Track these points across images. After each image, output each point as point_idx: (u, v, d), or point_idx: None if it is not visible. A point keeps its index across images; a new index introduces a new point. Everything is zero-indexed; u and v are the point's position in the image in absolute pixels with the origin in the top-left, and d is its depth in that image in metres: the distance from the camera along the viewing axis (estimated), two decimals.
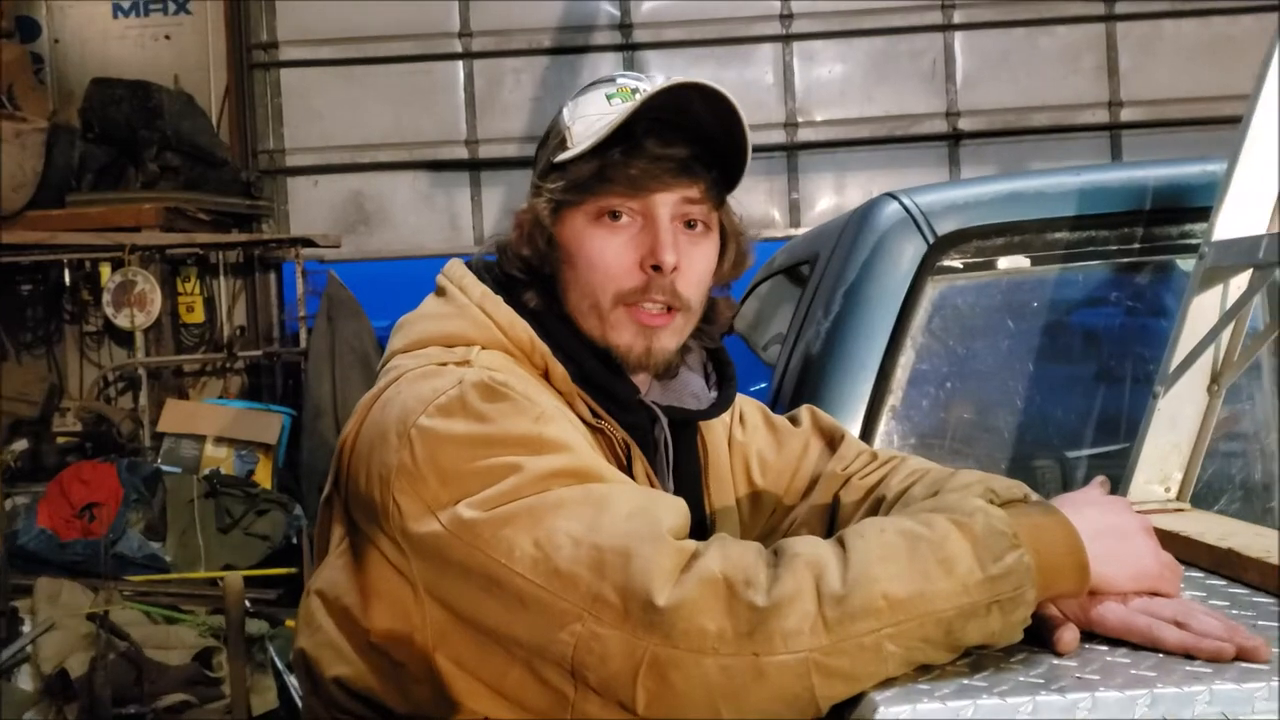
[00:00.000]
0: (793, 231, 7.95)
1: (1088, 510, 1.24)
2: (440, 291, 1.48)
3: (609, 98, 1.43)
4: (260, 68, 8.38)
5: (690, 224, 1.43)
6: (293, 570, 6.26)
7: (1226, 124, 7.20)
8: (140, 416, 7.30)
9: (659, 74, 1.45)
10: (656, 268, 1.39)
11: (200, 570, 6.19)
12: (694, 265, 1.43)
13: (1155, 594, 1.23)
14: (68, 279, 7.32)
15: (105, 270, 7.25)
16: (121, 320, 7.22)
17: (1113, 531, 1.23)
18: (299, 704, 4.73)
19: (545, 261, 1.45)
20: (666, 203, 1.40)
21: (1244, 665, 1.12)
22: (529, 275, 1.46)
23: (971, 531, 1.15)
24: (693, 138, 1.39)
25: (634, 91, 1.41)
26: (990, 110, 8.37)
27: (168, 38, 8.27)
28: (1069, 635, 1.19)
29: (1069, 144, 8.29)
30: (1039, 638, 1.19)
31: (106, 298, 7.20)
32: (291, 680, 5.11)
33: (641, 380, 1.48)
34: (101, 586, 5.66)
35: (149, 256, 7.31)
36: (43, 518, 6.15)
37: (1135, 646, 1.18)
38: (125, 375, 7.60)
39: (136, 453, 7.04)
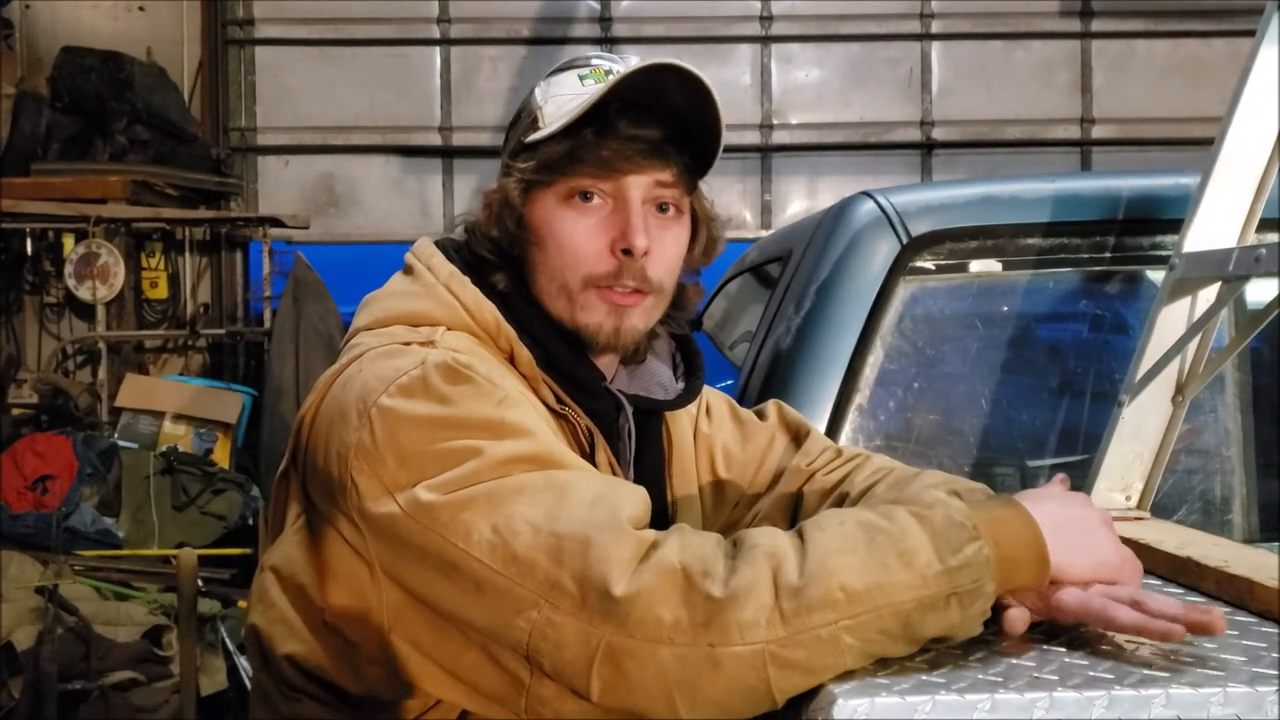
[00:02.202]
0: (763, 233, 7.96)
1: (1048, 504, 1.24)
2: (408, 270, 1.47)
3: (582, 78, 1.41)
4: (235, 44, 8.31)
5: (662, 207, 1.41)
6: (247, 551, 6.20)
7: (1196, 144, 7.28)
8: (98, 390, 7.22)
9: (634, 55, 1.44)
10: (627, 251, 1.37)
11: (153, 548, 6.12)
12: (665, 249, 1.41)
13: (1116, 585, 1.22)
14: (30, 249, 7.22)
15: (68, 241, 7.16)
16: (83, 293, 7.14)
17: (1073, 524, 1.23)
18: (249, 686, 4.69)
19: (514, 242, 1.43)
20: (638, 185, 1.38)
21: (1200, 670, 1.12)
22: (498, 257, 1.44)
23: (931, 524, 1.14)
24: (666, 120, 1.38)
25: (607, 73, 1.40)
26: (964, 121, 8.42)
27: (142, 9, 8.18)
28: (1017, 614, 1.19)
29: (1040, 158, 8.35)
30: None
31: (68, 269, 7.11)
32: (242, 661, 5.08)
33: (608, 366, 1.47)
34: (52, 560, 5.59)
35: (114, 229, 7.23)
36: None
37: (1094, 649, 1.18)
38: (85, 348, 7.51)
39: (93, 427, 6.95)
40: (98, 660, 5.16)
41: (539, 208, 1.41)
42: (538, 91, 1.44)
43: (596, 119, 1.36)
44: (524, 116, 1.45)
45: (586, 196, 1.39)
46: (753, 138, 8.34)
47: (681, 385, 1.54)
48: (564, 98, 1.40)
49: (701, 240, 1.49)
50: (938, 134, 8.42)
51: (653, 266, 1.40)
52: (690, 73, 1.34)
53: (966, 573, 1.13)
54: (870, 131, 8.43)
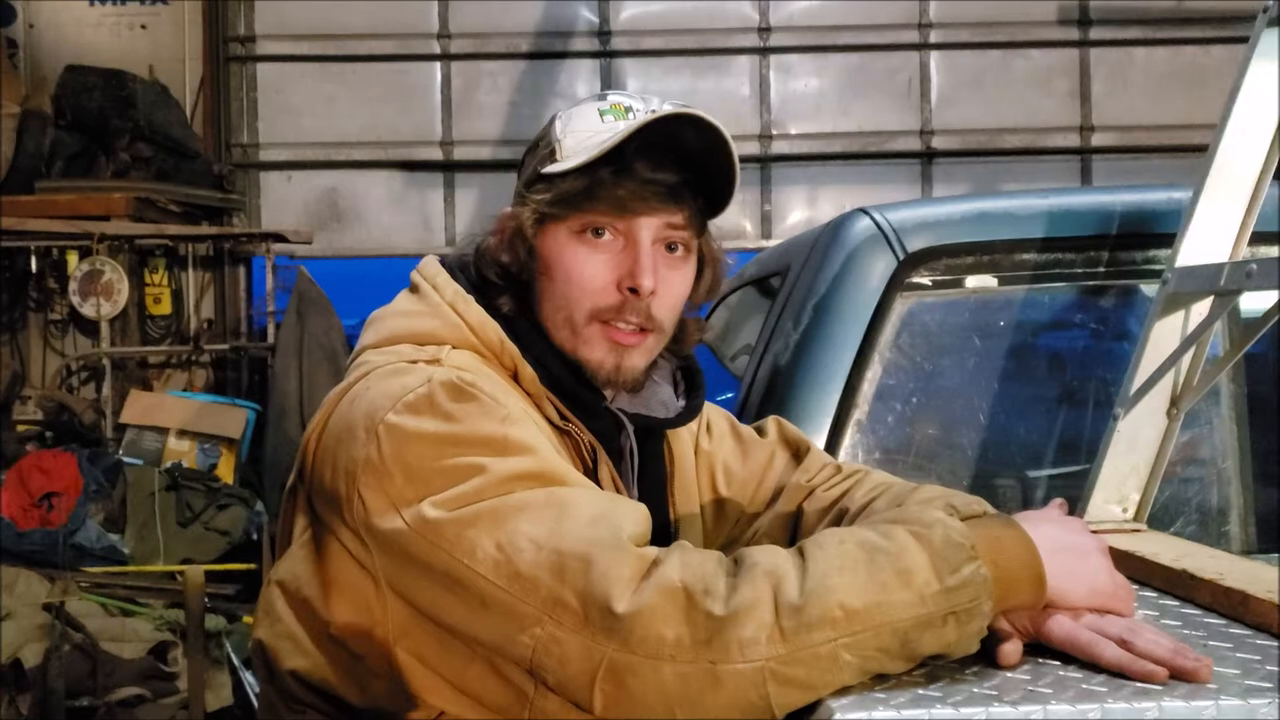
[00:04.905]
0: (764, 243, 7.98)
1: (1045, 527, 1.25)
2: (414, 288, 1.49)
3: (602, 114, 1.43)
4: (236, 61, 8.35)
5: (671, 247, 1.44)
6: (252, 566, 6.22)
7: (1195, 152, 7.28)
8: (103, 407, 7.24)
9: (655, 98, 1.45)
10: (634, 290, 1.40)
11: (159, 564, 6.14)
12: (671, 289, 1.44)
13: (1108, 612, 1.24)
14: (34, 266, 7.24)
15: (72, 258, 7.19)
16: (87, 309, 7.16)
17: (1070, 548, 1.25)
18: (254, 701, 4.70)
19: (523, 269, 1.46)
20: (650, 226, 1.41)
21: (1194, 683, 1.13)
22: (504, 280, 1.47)
23: (930, 543, 1.16)
24: (681, 163, 1.40)
25: (628, 110, 1.42)
26: (963, 130, 8.44)
27: (144, 27, 8.22)
28: (1010, 648, 1.20)
29: (1040, 166, 8.37)
30: (986, 649, 1.21)
31: (73, 286, 7.14)
32: (247, 676, 5.09)
33: (608, 389, 1.49)
34: (58, 577, 5.61)
35: (117, 246, 7.26)
36: (1, 506, 6.08)
37: (1088, 663, 1.20)
38: (89, 365, 7.54)
39: (98, 443, 6.97)
40: (104, 677, 5.18)
41: (551, 239, 1.43)
42: (558, 123, 1.46)
43: (614, 158, 1.38)
44: (542, 146, 1.46)
45: (599, 232, 1.41)
46: (752, 148, 8.35)
47: (682, 403, 1.56)
48: (584, 133, 1.41)
49: (706, 280, 1.52)
50: (938, 143, 8.44)
51: (657, 305, 1.42)
52: (709, 122, 1.37)
53: (964, 592, 1.14)
54: (870, 141, 8.45)
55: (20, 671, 5.13)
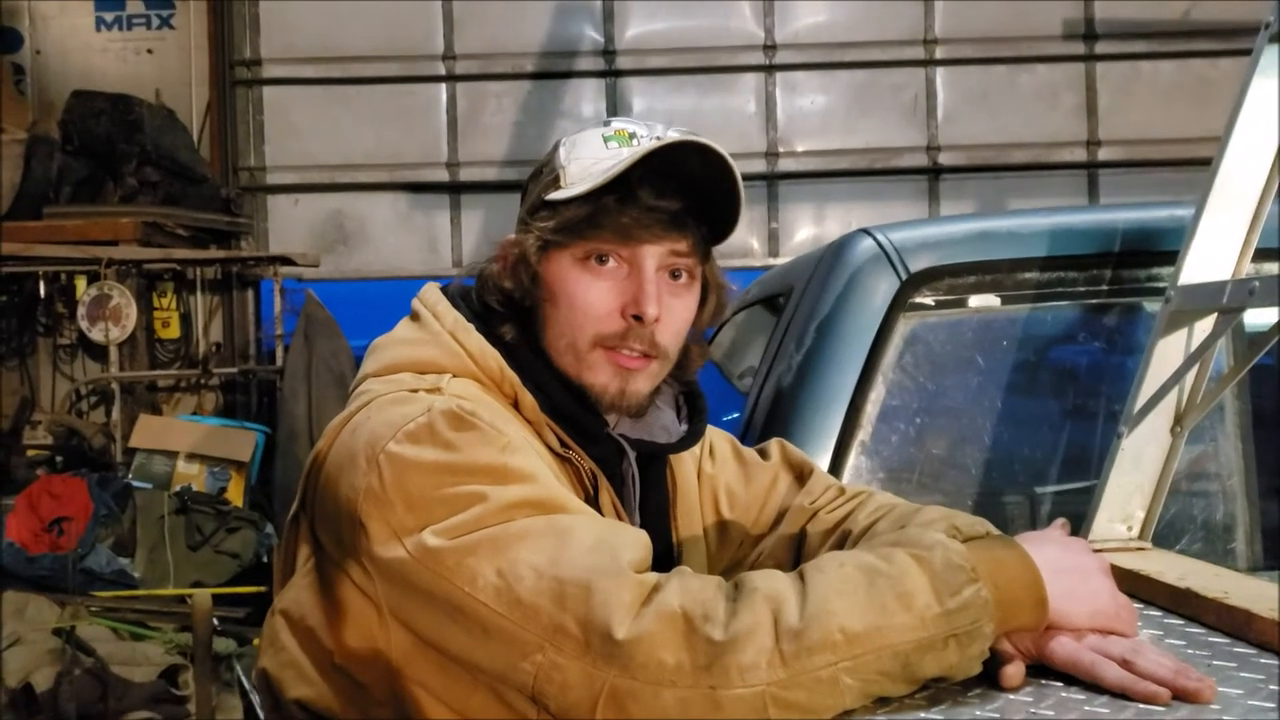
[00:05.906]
0: (771, 260, 7.99)
1: (1047, 548, 1.26)
2: (414, 316, 1.50)
3: (606, 140, 1.44)
4: (243, 84, 8.39)
5: (675, 274, 1.44)
6: (262, 589, 6.21)
7: (1202, 165, 7.27)
8: (112, 431, 7.26)
9: (659, 124, 1.45)
10: (638, 317, 1.40)
11: (169, 587, 6.15)
12: (675, 316, 1.44)
13: (1111, 633, 1.24)
14: (42, 291, 7.27)
15: (80, 283, 7.21)
16: (96, 334, 7.18)
17: (1072, 569, 1.25)
18: None
19: (527, 296, 1.46)
20: (654, 254, 1.41)
21: (1196, 704, 1.13)
22: (507, 308, 1.47)
23: (930, 566, 1.16)
24: (685, 190, 1.40)
25: (631, 136, 1.43)
26: (970, 146, 8.44)
27: (150, 52, 8.27)
28: (1013, 670, 1.21)
29: (1047, 181, 8.37)
30: (988, 671, 1.21)
31: (81, 311, 7.16)
32: (258, 700, 5.08)
33: (611, 414, 1.49)
34: (69, 601, 5.62)
35: (125, 270, 7.28)
36: (11, 531, 6.10)
37: (1090, 684, 1.19)
38: (98, 389, 7.56)
39: (108, 467, 6.99)
40: (115, 701, 5.17)
41: (555, 266, 1.43)
42: (561, 149, 1.46)
43: (619, 185, 1.38)
44: (545, 172, 1.47)
45: (602, 259, 1.42)
46: (759, 166, 8.36)
47: (684, 428, 1.56)
48: (588, 160, 1.42)
49: (710, 306, 1.52)
50: (944, 159, 8.45)
51: (661, 332, 1.43)
52: (714, 150, 1.38)
53: (965, 614, 1.14)
54: (877, 157, 8.46)
55: (31, 696, 5.13)
